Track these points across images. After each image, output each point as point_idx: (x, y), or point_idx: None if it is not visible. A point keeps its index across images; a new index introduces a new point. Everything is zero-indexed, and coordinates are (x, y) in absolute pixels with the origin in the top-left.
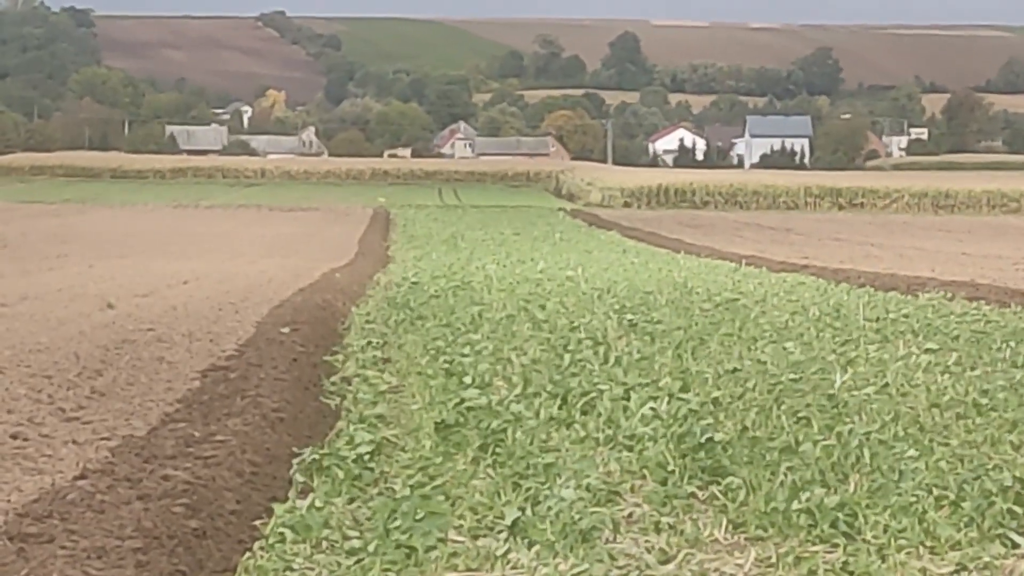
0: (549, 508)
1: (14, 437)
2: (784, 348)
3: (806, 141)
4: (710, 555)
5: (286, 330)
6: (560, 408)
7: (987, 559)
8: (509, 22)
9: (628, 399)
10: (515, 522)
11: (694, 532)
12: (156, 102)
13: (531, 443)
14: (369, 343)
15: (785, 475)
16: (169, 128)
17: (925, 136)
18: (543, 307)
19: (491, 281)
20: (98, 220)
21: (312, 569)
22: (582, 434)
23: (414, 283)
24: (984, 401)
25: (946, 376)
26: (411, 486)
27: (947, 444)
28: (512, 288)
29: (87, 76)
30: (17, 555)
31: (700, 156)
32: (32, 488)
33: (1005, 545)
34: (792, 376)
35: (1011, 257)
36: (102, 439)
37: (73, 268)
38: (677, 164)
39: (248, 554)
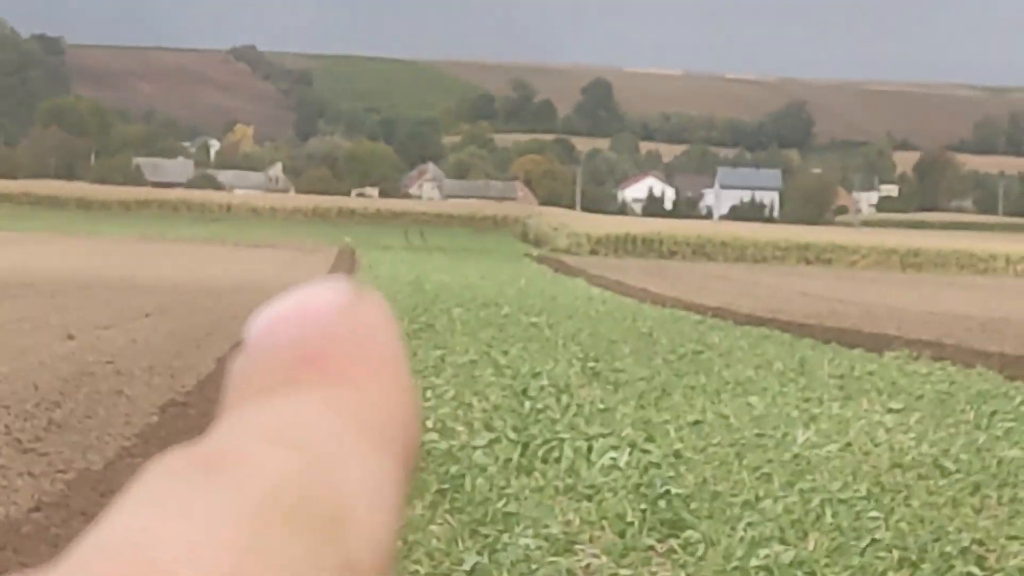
0: (507, 556)
1: None
2: (747, 402)
3: (776, 194)
4: None
5: None
6: (521, 455)
7: None
8: (481, 64)
9: (590, 449)
10: (473, 567)
11: None
12: (124, 133)
13: (490, 490)
14: None
15: (745, 531)
16: (136, 159)
17: (895, 193)
18: (506, 352)
19: (455, 324)
20: (61, 250)
21: None
22: (542, 483)
23: None
24: (947, 463)
25: (909, 436)
26: None
27: (908, 505)
28: (475, 332)
29: (56, 104)
30: None
31: (669, 205)
32: None
33: None
34: (755, 431)
35: (978, 317)
36: (58, 472)
37: (35, 298)
38: (646, 212)
39: None
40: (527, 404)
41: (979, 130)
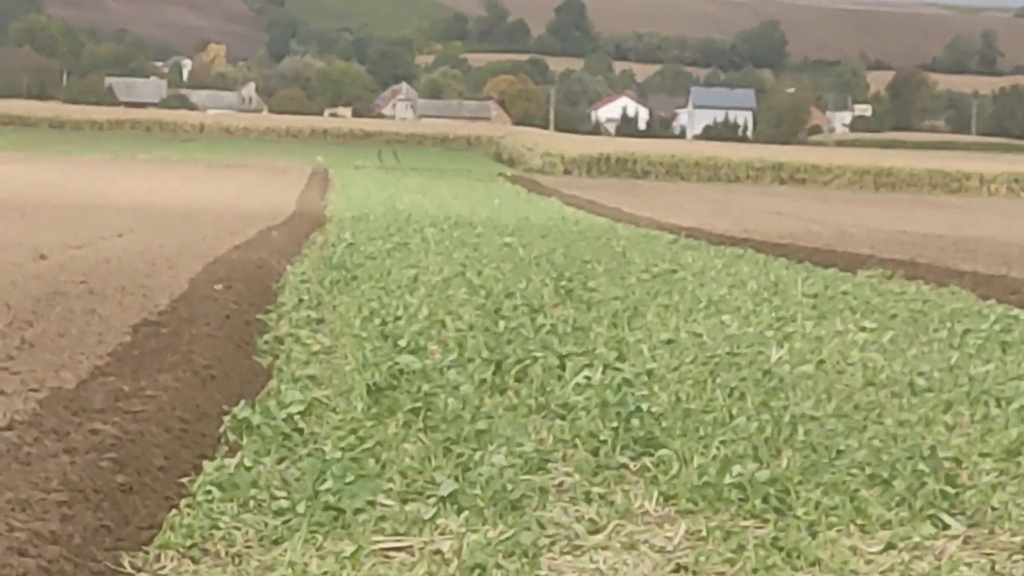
0: (480, 475)
1: None
2: (721, 321)
3: (749, 114)
4: (640, 527)
5: (219, 287)
6: (494, 374)
7: (917, 539)
8: None
9: (562, 368)
10: (446, 493)
11: (624, 503)
12: (96, 53)
13: (463, 409)
14: (303, 302)
15: (718, 449)
16: (108, 79)
17: (869, 113)
18: (480, 272)
19: (428, 244)
20: (33, 169)
21: (239, 528)
22: (515, 401)
23: (350, 243)
24: (920, 381)
25: (882, 354)
26: (341, 448)
27: (881, 423)
28: (449, 252)
29: (27, 24)
30: None
31: (643, 125)
32: None
33: (936, 526)
34: (728, 350)
35: (951, 237)
36: (30, 390)
37: (7, 217)
38: (619, 133)
39: (175, 511)
40: (501, 324)
41: (952, 49)
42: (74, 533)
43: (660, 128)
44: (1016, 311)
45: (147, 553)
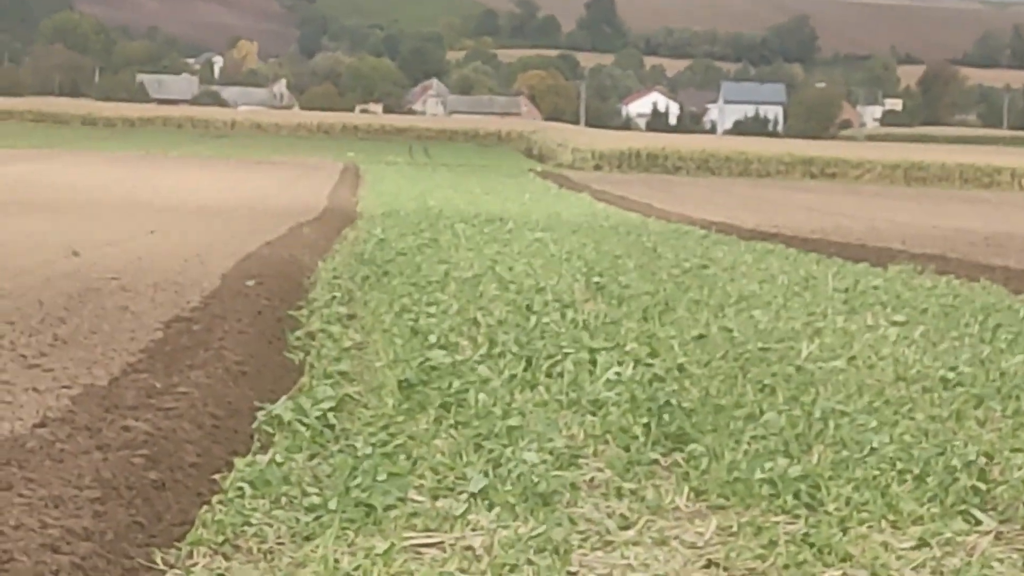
0: (511, 471)
1: None
2: (751, 316)
3: (780, 109)
4: (671, 522)
5: (251, 283)
6: (525, 370)
7: (949, 535)
8: None
9: (593, 363)
10: (476, 488)
11: (656, 499)
12: (128, 50)
13: (494, 404)
14: (334, 298)
15: (748, 444)
16: (140, 76)
17: (899, 107)
18: (510, 268)
19: (459, 240)
20: (66, 167)
21: (270, 524)
22: (546, 397)
23: (381, 239)
24: (951, 376)
25: (913, 349)
26: (372, 444)
27: (912, 418)
28: (480, 247)
29: (59, 22)
30: None
31: (673, 121)
32: None
33: (968, 521)
34: (759, 345)
35: (982, 231)
36: (63, 387)
37: (39, 216)
38: (650, 128)
39: (206, 507)
40: (531, 319)
41: (983, 44)
42: (107, 529)
43: (690, 123)
44: None
45: (179, 549)
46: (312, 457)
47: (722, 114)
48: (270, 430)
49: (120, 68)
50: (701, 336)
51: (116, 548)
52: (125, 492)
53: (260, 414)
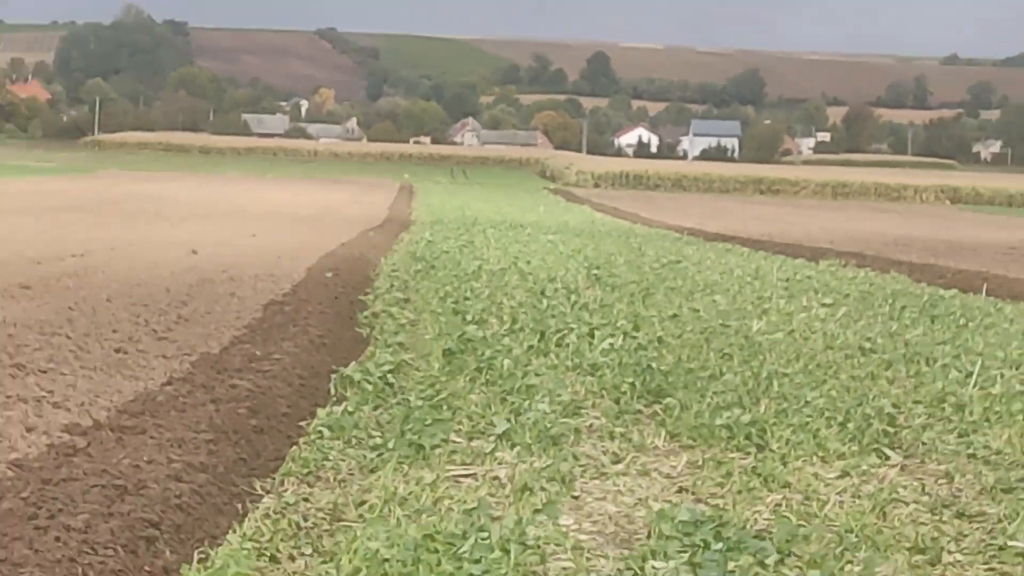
0: (528, 418)
1: (117, 351)
2: (714, 300)
3: (736, 140)
4: (651, 458)
5: (329, 275)
6: (539, 341)
7: (865, 467)
8: (509, 41)
9: (592, 336)
10: (501, 432)
11: (639, 440)
12: (235, 95)
13: (515, 368)
14: (393, 287)
15: (711, 398)
16: (244, 116)
17: (828, 139)
18: (528, 262)
19: (489, 241)
20: (187, 186)
21: (343, 460)
22: (555, 362)
23: (430, 241)
24: (867, 345)
25: (838, 325)
26: (422, 398)
27: (837, 378)
28: (505, 247)
29: (182, 74)
30: (116, 442)
31: (654, 150)
32: (130, 391)
33: (879, 457)
34: (719, 321)
35: (892, 234)
36: (184, 355)
37: (167, 223)
38: (636, 155)
39: (294, 447)
40: (544, 302)
41: (892, 89)
42: (218, 464)
43: (667, 151)
44: (942, 291)
45: (274, 479)
46: (375, 408)
47: (692, 144)
48: (343, 387)
49: (229, 110)
50: (675, 315)
51: (226, 478)
52: (232, 435)
53: (335, 375)
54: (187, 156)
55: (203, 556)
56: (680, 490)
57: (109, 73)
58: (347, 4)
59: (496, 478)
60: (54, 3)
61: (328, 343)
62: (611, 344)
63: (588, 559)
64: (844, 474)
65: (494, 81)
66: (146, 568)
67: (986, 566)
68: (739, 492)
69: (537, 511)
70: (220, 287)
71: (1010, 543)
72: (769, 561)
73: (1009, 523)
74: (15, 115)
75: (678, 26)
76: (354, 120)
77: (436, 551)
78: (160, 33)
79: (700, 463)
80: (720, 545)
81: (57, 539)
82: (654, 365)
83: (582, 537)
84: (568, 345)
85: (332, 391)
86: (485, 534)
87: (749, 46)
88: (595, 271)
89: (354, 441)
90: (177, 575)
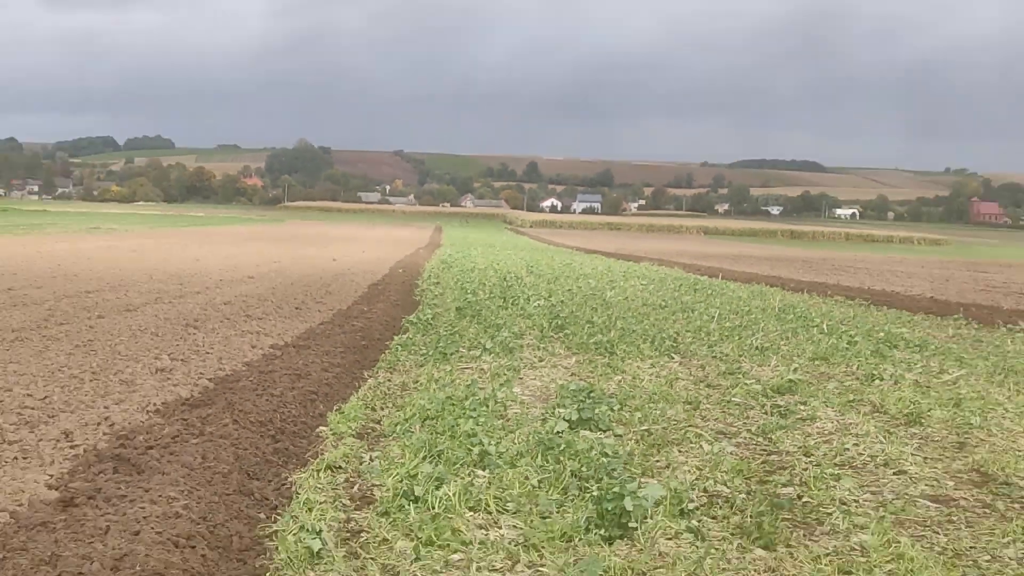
0: (498, 340)
1: (296, 308)
2: (588, 282)
3: (599, 204)
4: (557, 359)
5: (401, 271)
6: (503, 303)
7: (662, 363)
8: (489, 155)
9: (528, 300)
10: (485, 347)
11: (552, 350)
12: (353, 182)
13: (492, 316)
14: (431, 276)
15: (587, 330)
16: (359, 193)
17: (644, 204)
18: (497, 266)
19: (478, 252)
20: (330, 228)
21: (407, 361)
22: (512, 312)
23: (450, 254)
24: (662, 303)
25: (648, 293)
26: (445, 330)
27: (648, 319)
28: (486, 256)
29: (328, 172)
30: (296, 352)
31: (559, 209)
32: (303, 328)
33: (669, 358)
34: (590, 292)
35: (674, 249)
36: (330, 310)
37: (321, 246)
38: (549, 211)
39: (383, 354)
40: (506, 283)
41: (676, 178)
42: (346, 363)
43: (565, 210)
44: (700, 277)
45: (374, 370)
46: (423, 335)
47: (578, 206)
48: (408, 326)
49: (351, 190)
50: (569, 289)
51: (349, 370)
52: (353, 349)
53: (404, 320)
54: (330, 214)
55: (339, 408)
56: (572, 375)
57: (292, 171)
58: (409, 134)
59: (482, 369)
60: (264, 134)
61: (399, 304)
62: (538, 304)
63: (527, 407)
64: (652, 366)
65: (481, 174)
66: (311, 413)
67: (721, 409)
68: (600, 375)
69: (502, 385)
70: (347, 277)
71: (732, 400)
72: (615, 407)
73: (731, 389)
74: (245, 194)
75: (574, 144)
76: (412, 195)
77: (453, 405)
78: (317, 151)
79: (581, 362)
80: (590, 400)
81: (267, 400)
82: (559, 313)
83: (524, 397)
84: (518, 304)
85: (402, 328)
86: (477, 396)
87: (606, 156)
88: (530, 268)
89: (412, 351)
90: (325, 418)
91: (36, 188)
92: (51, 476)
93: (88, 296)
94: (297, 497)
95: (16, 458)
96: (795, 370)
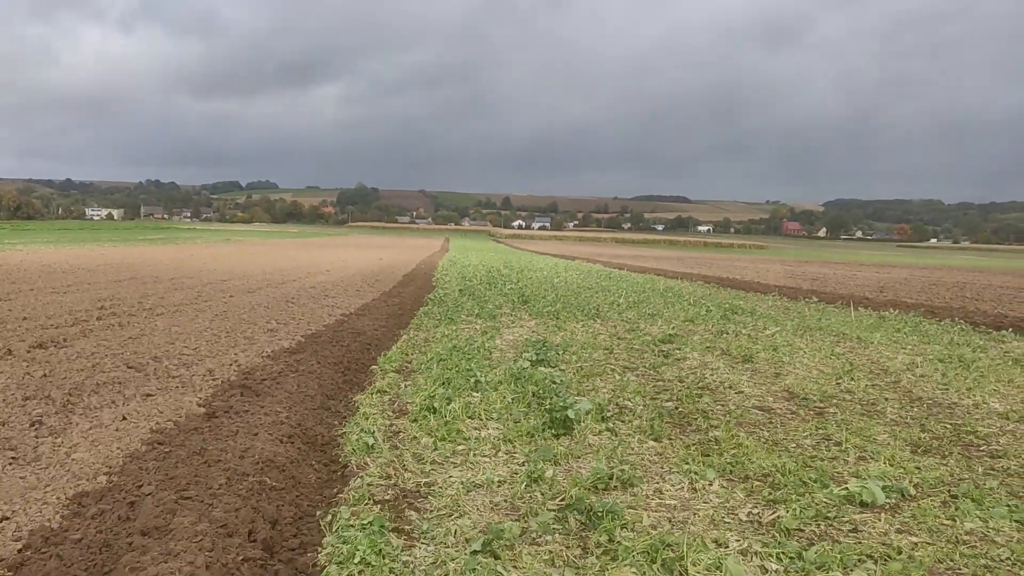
0: (486, 310)
1: (356, 291)
2: (543, 274)
3: (548, 223)
4: (525, 322)
5: (423, 267)
6: (489, 287)
7: (590, 324)
8: (479, 192)
9: (505, 285)
10: (477, 314)
11: (519, 316)
12: (393, 210)
13: (482, 295)
14: (442, 271)
15: (542, 303)
16: (396, 217)
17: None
18: (485, 263)
19: (473, 256)
20: (377, 239)
21: (428, 323)
22: (495, 293)
23: (454, 256)
24: (595, 286)
25: (586, 280)
26: (452, 304)
27: (580, 296)
28: (479, 260)
29: (376, 204)
30: (357, 318)
31: (524, 227)
32: (359, 304)
33: (595, 321)
34: (544, 280)
35: (609, 254)
36: (377, 292)
37: (371, 251)
38: (517, 228)
39: (413, 319)
40: (491, 275)
41: (599, 207)
42: (390, 324)
43: (528, 228)
44: (634, 275)
45: (407, 328)
46: (438, 307)
47: (535, 225)
48: (428, 301)
49: (392, 215)
50: (531, 279)
51: (391, 330)
52: (394, 316)
53: (426, 297)
54: (377, 230)
55: (384, 353)
56: (533, 332)
57: (353, 203)
58: (429, 178)
59: (475, 328)
60: (336, 179)
61: (423, 288)
62: (511, 289)
63: (504, 352)
64: (583, 326)
65: (474, 205)
66: (367, 357)
67: (627, 353)
68: (551, 332)
69: (489, 339)
70: (388, 271)
71: (633, 346)
72: (560, 352)
73: (633, 340)
74: (322, 218)
75: (533, 185)
76: (430, 218)
77: (457, 351)
78: (369, 190)
79: (539, 324)
80: (544, 348)
81: (339, 348)
82: (524, 293)
83: (503, 346)
84: (498, 287)
85: (424, 302)
86: (473, 345)
87: (553, 194)
88: (506, 264)
89: (431, 317)
90: (376, 360)
91: (188, 215)
92: (200, 398)
93: (223, 283)
94: (358, 411)
95: (177, 387)
96: (673, 328)
